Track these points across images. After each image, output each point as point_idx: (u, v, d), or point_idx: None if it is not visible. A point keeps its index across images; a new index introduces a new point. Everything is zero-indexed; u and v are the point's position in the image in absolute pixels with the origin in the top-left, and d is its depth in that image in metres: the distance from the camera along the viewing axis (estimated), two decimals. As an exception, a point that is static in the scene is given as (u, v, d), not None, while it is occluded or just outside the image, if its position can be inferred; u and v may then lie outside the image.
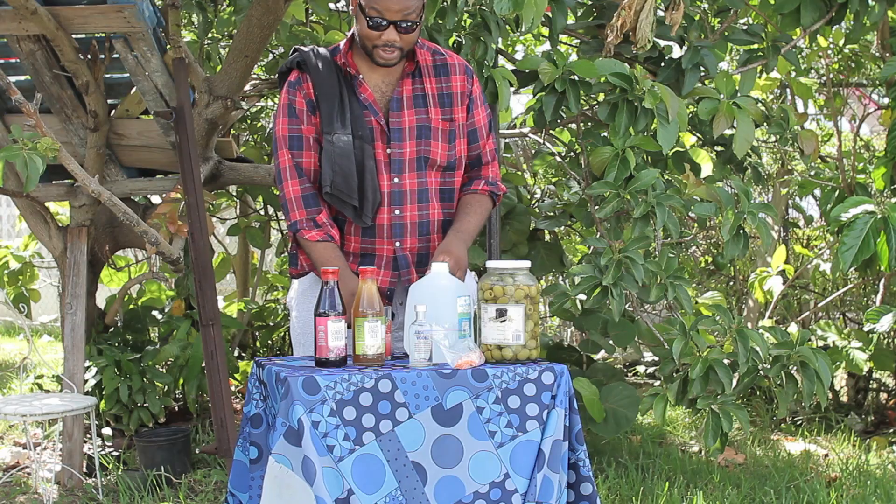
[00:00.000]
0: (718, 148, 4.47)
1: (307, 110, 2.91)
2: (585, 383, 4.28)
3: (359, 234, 2.92)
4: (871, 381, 5.91)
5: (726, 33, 4.44)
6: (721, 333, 3.84)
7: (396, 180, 2.90)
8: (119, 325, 5.27)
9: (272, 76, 5.47)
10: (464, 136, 3.01)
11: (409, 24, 2.82)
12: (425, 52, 2.99)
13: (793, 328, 4.77)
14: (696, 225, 5.35)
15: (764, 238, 3.93)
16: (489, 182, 3.06)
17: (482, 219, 3.04)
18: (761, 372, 3.89)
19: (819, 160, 6.15)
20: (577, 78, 3.93)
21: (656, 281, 3.82)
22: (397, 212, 2.90)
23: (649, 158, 4.16)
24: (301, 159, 2.90)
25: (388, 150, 2.90)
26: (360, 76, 2.92)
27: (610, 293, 3.75)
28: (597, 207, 3.96)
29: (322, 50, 2.97)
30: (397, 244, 2.92)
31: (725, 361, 3.77)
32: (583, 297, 3.87)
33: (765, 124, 4.29)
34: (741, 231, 3.91)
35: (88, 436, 4.60)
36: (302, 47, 2.99)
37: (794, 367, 3.84)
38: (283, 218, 6.23)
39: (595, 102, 4.33)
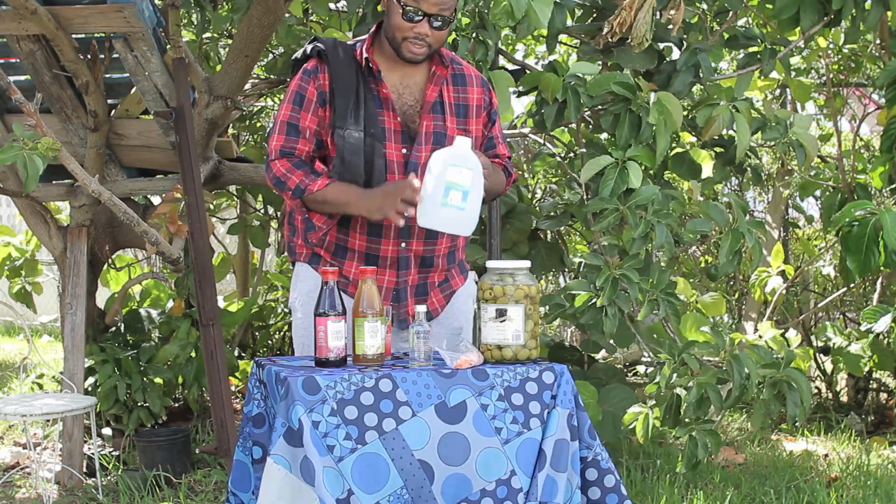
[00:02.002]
0: (718, 149, 4.47)
1: (317, 101, 2.88)
2: (584, 386, 4.29)
3: (364, 232, 2.90)
4: (871, 381, 5.91)
5: (725, 35, 4.44)
6: (714, 353, 3.84)
7: None
8: (119, 325, 5.27)
9: (272, 76, 5.48)
10: (477, 146, 3.01)
11: (443, 20, 2.82)
12: (446, 59, 2.98)
13: (791, 333, 4.77)
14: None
15: (756, 256, 3.97)
16: (504, 160, 3.10)
17: (498, 177, 3.03)
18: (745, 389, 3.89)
19: (819, 160, 6.15)
20: (578, 88, 3.93)
21: (648, 297, 3.83)
22: (406, 213, 2.89)
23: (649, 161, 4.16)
24: (295, 146, 2.88)
25: (404, 151, 2.89)
26: (381, 74, 2.91)
27: (604, 313, 3.77)
28: (594, 217, 3.97)
29: (342, 43, 2.95)
30: (402, 245, 2.91)
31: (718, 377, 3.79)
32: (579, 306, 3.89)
33: (761, 131, 4.29)
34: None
35: (88, 436, 4.60)
36: (321, 37, 2.97)
37: (778, 387, 3.84)
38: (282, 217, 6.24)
39: (597, 107, 4.34)
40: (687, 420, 3.84)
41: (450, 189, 2.67)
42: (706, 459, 3.87)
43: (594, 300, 3.81)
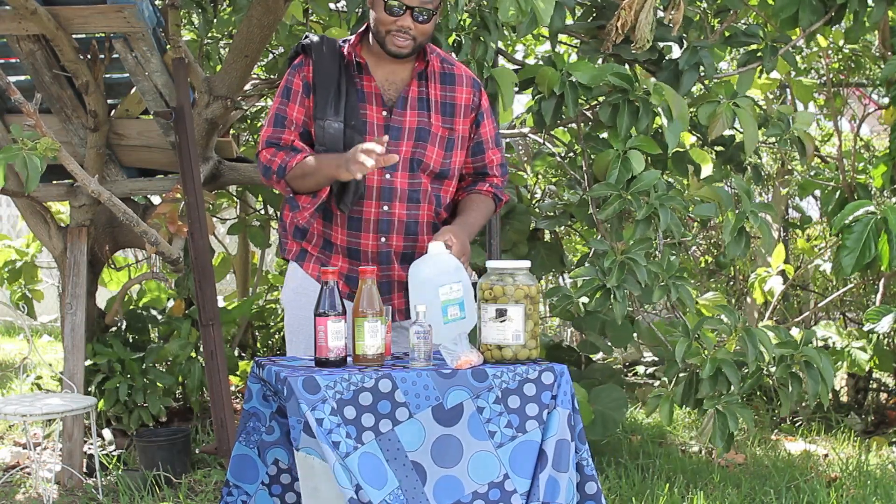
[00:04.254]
0: (718, 148, 4.47)
1: (302, 92, 2.93)
2: (574, 386, 4.27)
3: (345, 226, 2.93)
4: (871, 381, 5.91)
5: (726, 33, 4.45)
6: (726, 333, 3.84)
7: (388, 176, 2.90)
8: (119, 325, 5.27)
9: (272, 76, 5.48)
10: (463, 147, 3.03)
11: (427, 13, 2.84)
12: (434, 58, 3.00)
13: (793, 330, 4.77)
14: (696, 225, 5.35)
15: (765, 238, 3.94)
16: (493, 186, 3.09)
17: (484, 218, 3.06)
18: (765, 371, 3.89)
19: (819, 160, 6.15)
20: (575, 80, 3.93)
21: (658, 282, 3.82)
22: (385, 207, 2.90)
23: (650, 159, 4.16)
24: (281, 136, 2.93)
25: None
26: (366, 68, 2.93)
27: (613, 295, 3.75)
28: (598, 209, 3.97)
29: (331, 39, 3.00)
30: (382, 240, 2.93)
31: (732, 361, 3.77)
32: (584, 299, 3.88)
33: (763, 127, 4.29)
34: (742, 231, 3.91)
35: (88, 436, 4.60)
36: (312, 34, 3.01)
37: (798, 367, 3.85)
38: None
39: (595, 103, 4.33)
40: (705, 399, 3.82)
41: (447, 307, 2.70)
42: (727, 449, 3.85)
43: (601, 286, 3.79)
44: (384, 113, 2.92)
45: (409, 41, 2.87)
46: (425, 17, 2.85)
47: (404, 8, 2.83)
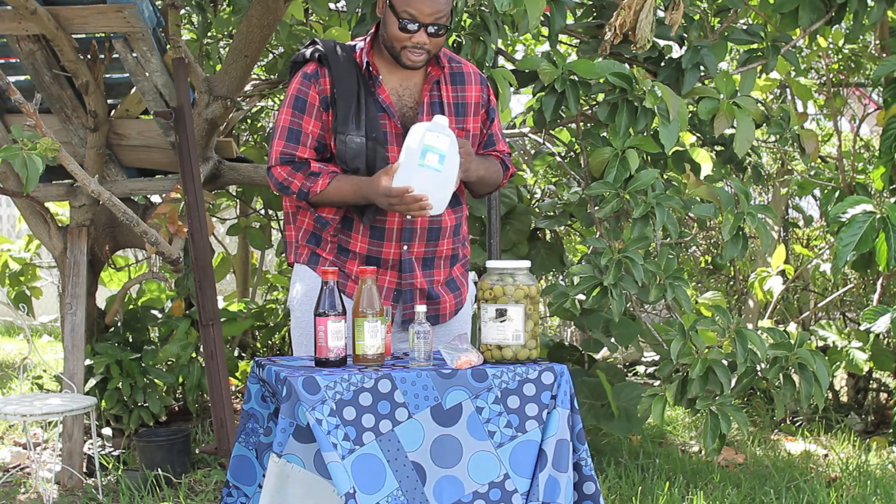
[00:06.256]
0: (718, 148, 4.47)
1: (319, 105, 2.87)
2: (601, 378, 4.31)
3: (366, 234, 2.90)
4: (871, 381, 5.91)
5: (726, 33, 4.45)
6: (720, 333, 3.84)
7: None
8: (119, 325, 5.27)
9: (272, 76, 5.48)
10: (475, 145, 3.02)
11: (440, 28, 2.82)
12: (443, 59, 2.99)
13: (792, 328, 4.77)
14: (695, 225, 5.35)
15: (763, 239, 3.94)
16: (502, 154, 3.10)
17: (492, 168, 3.03)
18: (759, 373, 3.89)
19: (819, 160, 6.15)
20: (576, 78, 3.93)
21: (655, 281, 3.82)
22: (409, 216, 2.88)
23: (649, 158, 4.16)
24: (294, 152, 2.87)
25: None
26: (380, 77, 2.91)
27: (610, 293, 3.75)
28: (596, 208, 3.97)
29: (342, 46, 2.95)
30: (405, 248, 2.91)
31: (724, 362, 3.77)
32: (582, 296, 3.87)
33: (765, 125, 4.30)
34: (741, 232, 3.91)
35: (88, 436, 4.60)
36: (320, 40, 2.96)
37: (793, 369, 3.85)
38: (282, 219, 6.24)
39: (595, 102, 4.33)
40: (697, 399, 3.82)
41: (427, 151, 2.68)
42: (718, 453, 3.85)
43: (598, 284, 3.79)
44: (398, 122, 2.90)
45: (423, 55, 2.85)
46: (438, 31, 2.83)
47: (418, 24, 2.80)
